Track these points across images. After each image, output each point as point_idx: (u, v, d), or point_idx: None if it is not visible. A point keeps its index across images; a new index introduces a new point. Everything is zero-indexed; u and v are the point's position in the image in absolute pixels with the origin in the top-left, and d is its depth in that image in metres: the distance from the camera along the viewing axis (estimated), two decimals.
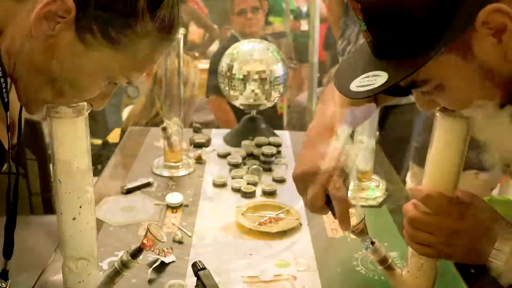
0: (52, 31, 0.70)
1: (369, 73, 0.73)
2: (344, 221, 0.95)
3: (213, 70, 2.97)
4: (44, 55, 0.72)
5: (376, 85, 0.71)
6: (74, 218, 0.84)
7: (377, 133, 1.42)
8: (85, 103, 0.81)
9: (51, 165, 0.84)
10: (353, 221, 0.93)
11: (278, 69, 1.68)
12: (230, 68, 1.68)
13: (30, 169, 2.19)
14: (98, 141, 3.23)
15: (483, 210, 0.83)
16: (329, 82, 2.32)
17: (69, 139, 0.81)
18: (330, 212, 0.99)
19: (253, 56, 1.66)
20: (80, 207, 0.84)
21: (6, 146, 0.79)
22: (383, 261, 0.91)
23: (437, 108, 0.81)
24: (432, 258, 0.88)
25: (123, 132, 2.52)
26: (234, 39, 2.95)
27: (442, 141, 0.83)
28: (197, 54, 4.58)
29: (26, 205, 2.21)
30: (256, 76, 1.65)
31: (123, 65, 0.75)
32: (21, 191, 2.25)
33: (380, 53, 0.73)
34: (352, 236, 1.23)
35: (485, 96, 0.72)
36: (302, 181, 0.99)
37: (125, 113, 2.92)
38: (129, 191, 1.42)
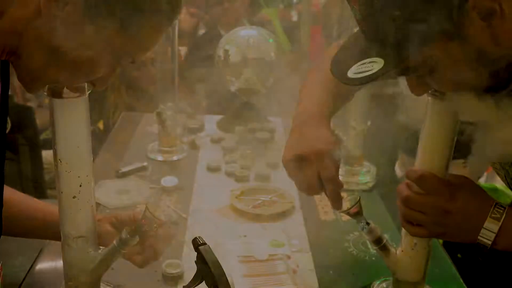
0: (61, 12, 0.71)
1: (366, 60, 0.75)
2: (335, 200, 0.97)
3: None
4: (52, 34, 0.73)
5: (373, 71, 0.73)
6: (74, 197, 0.86)
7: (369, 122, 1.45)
8: (86, 84, 0.82)
9: (51, 150, 0.85)
10: (349, 203, 0.95)
11: (274, 56, 1.69)
12: (226, 53, 1.69)
13: (22, 154, 2.18)
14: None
15: (474, 191, 0.86)
16: None
17: (70, 118, 0.82)
18: (324, 194, 1.01)
19: (250, 42, 1.68)
20: (80, 185, 0.85)
21: None
22: (378, 241, 0.94)
23: (429, 92, 0.83)
24: (424, 237, 0.91)
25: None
26: (213, 28, 3.02)
27: (434, 124, 0.86)
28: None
29: (18, 190, 2.20)
30: (252, 62, 1.67)
31: (128, 44, 0.76)
32: (12, 176, 2.23)
33: (375, 40, 0.75)
34: (344, 218, 1.27)
35: (476, 80, 0.74)
36: (293, 165, 1.01)
37: None
38: (124, 175, 1.43)
